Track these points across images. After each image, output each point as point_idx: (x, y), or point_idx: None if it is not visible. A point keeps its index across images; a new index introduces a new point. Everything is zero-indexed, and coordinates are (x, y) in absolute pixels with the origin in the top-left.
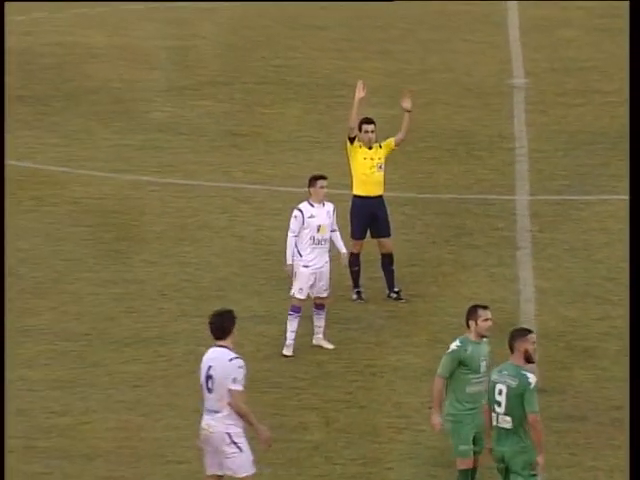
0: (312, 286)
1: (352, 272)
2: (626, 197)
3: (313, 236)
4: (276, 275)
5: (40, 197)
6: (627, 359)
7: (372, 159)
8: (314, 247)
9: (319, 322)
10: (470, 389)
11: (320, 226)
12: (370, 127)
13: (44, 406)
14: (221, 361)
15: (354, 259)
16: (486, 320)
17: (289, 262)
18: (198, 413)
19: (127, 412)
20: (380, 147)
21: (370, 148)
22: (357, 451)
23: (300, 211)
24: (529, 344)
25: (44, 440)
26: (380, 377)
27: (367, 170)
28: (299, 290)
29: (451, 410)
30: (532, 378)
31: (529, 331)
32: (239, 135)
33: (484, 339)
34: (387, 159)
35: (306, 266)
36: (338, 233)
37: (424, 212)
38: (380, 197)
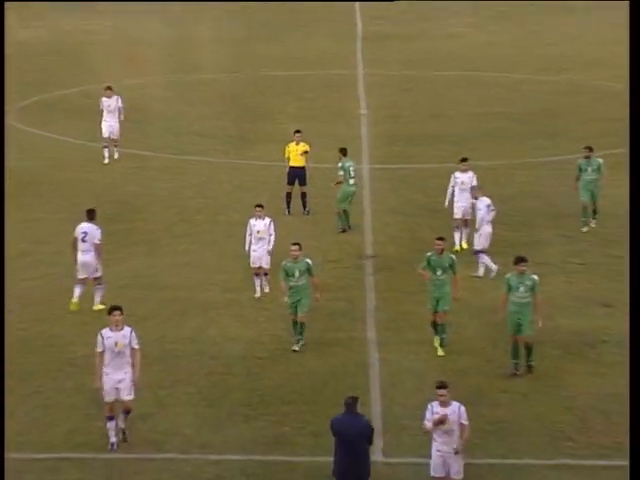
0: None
1: (287, 202)
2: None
3: (254, 235)
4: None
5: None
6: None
7: (297, 150)
8: (257, 240)
9: (261, 286)
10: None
11: (259, 231)
12: (298, 135)
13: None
14: None
15: (288, 195)
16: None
17: (246, 248)
18: (216, 268)
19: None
20: (303, 146)
21: (298, 144)
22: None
23: (249, 223)
24: None
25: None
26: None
27: (294, 155)
28: (251, 263)
29: None
30: None
31: None
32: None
33: None
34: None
35: (255, 251)
36: (273, 236)
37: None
38: (302, 167)
